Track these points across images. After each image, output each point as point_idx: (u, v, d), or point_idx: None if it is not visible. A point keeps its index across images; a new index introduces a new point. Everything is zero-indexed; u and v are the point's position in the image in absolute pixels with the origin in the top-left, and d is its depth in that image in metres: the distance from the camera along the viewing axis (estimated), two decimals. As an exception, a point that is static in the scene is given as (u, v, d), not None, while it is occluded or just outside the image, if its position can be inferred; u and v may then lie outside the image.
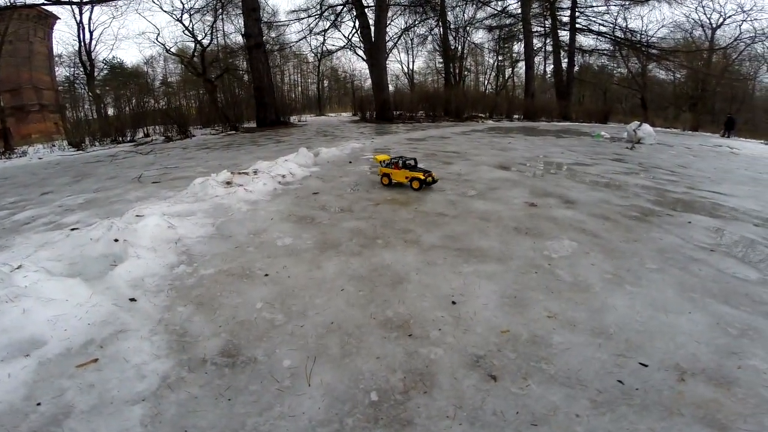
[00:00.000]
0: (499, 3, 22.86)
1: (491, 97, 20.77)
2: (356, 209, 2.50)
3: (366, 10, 14.79)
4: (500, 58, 29.65)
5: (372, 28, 14.23)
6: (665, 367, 1.08)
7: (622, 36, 24.22)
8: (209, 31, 15.87)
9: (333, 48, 21.91)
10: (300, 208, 2.51)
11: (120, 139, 10.56)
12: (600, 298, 1.43)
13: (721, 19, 25.40)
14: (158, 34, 25.41)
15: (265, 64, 12.72)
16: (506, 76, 30.22)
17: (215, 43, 17.19)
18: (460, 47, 24.89)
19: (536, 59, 28.57)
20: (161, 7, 15.12)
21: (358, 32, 16.46)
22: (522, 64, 24.03)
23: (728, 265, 1.72)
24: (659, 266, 1.69)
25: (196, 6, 15.38)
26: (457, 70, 24.55)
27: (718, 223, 2.34)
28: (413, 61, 27.06)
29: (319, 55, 23.34)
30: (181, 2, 15.12)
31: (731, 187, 3.54)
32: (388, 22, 20.81)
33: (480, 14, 23.72)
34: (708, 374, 1.06)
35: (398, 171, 3.02)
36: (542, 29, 25.17)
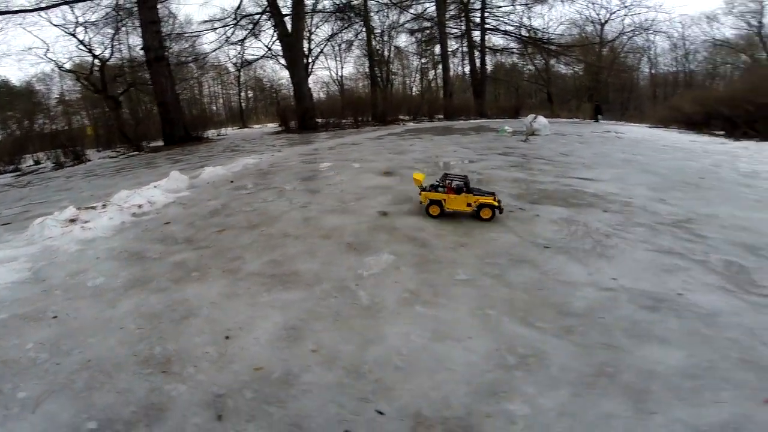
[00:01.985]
0: (419, 6, 23.56)
1: (415, 99, 21.30)
2: (198, 238, 2.33)
3: (286, 18, 14.39)
4: (423, 60, 30.61)
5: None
6: (402, 416, 0.97)
7: (527, 34, 26.12)
8: (110, 44, 14.44)
9: (252, 57, 21.07)
10: (138, 243, 2.33)
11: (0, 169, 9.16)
12: (379, 325, 1.35)
13: (608, 15, 28.39)
14: (47, 49, 22.66)
15: (168, 77, 11.84)
16: (429, 77, 31.19)
17: (117, 56, 15.70)
18: (386, 51, 25.26)
19: (455, 60, 29.89)
20: (50, 21, 13.40)
21: (278, 41, 15.95)
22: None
23: (555, 265, 1.75)
24: (471, 276, 1.66)
25: (92, 19, 13.89)
26: (384, 74, 24.86)
27: (569, 213, 2.44)
28: (341, 67, 26.94)
29: (238, 65, 22.36)
30: (74, 15, 13.53)
31: (600, 172, 3.81)
32: (312, 30, 20.53)
33: (402, 18, 24.23)
34: (448, 426, 0.94)
35: (456, 197, 2.29)
36: (459, 31, 26.28)
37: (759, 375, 1.03)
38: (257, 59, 20.86)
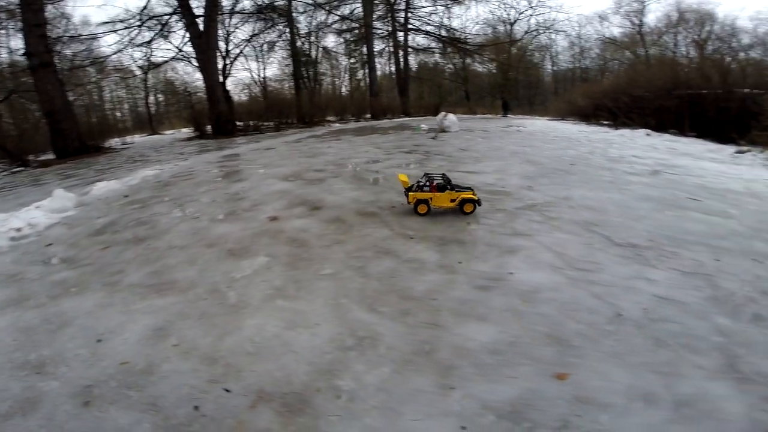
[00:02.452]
0: (347, 7, 23.47)
1: (342, 99, 21.27)
2: (80, 257, 2.21)
3: (199, 19, 13.45)
4: (352, 60, 30.61)
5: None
6: (246, 393, 1.08)
7: (446, 34, 27.40)
8: (-15, 48, 12.36)
9: (161, 60, 19.41)
10: (15, 266, 2.18)
11: None
12: (240, 319, 1.44)
13: (517, 15, 30.80)
14: None
15: (56, 85, 10.53)
16: (358, 77, 31.29)
17: (-6, 61, 13.51)
18: (313, 51, 24.78)
19: (382, 60, 30.36)
20: None
21: (190, 42, 14.84)
22: (374, 66, 25.10)
23: (413, 254, 1.90)
24: (335, 270, 1.77)
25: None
26: (312, 75, 24.39)
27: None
28: (264, 69, 25.89)
29: (145, 67, 20.49)
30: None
31: (486, 164, 4.15)
32: (231, 30, 19.45)
33: (330, 19, 23.96)
34: (286, 400, 1.05)
35: (441, 194, 2.38)
36: (385, 31, 26.68)
37: (558, 350, 1.19)
38: (166, 61, 19.34)
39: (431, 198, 2.38)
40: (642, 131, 9.19)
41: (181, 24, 15.60)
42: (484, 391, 1.05)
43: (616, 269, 1.68)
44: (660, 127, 9.92)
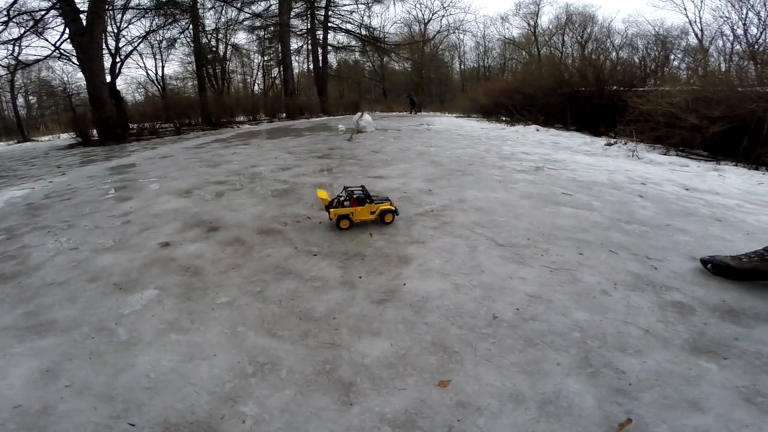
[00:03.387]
0: (261, 4, 22.11)
1: (254, 98, 20.20)
2: None
3: (82, 15, 11.55)
4: (266, 58, 29.18)
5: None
6: (152, 425, 1.06)
7: (366, 33, 27.57)
8: None
9: (33, 59, 16.38)
10: None
11: None
12: (132, 356, 1.36)
13: (431, 15, 32.15)
14: None
15: None
16: (273, 75, 30.08)
17: None
18: (221, 49, 23.03)
19: (300, 58, 29.45)
20: None
21: (70, 40, 12.71)
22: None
23: (315, 272, 1.89)
24: (232, 297, 1.70)
25: None
26: (219, 73, 22.71)
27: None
28: (163, 67, 23.34)
29: (10, 67, 17.20)
30: None
31: (394, 168, 4.29)
32: (125, 26, 17.08)
33: (242, 15, 22.43)
34: (192, 429, 1.05)
35: (361, 208, 2.39)
36: (304, 29, 25.85)
37: (442, 357, 1.28)
38: (39, 60, 16.46)
39: (352, 212, 2.42)
40: (533, 127, 10.29)
41: (59, 20, 13.40)
42: (379, 405, 1.11)
43: (495, 270, 1.87)
44: (547, 122, 11.21)
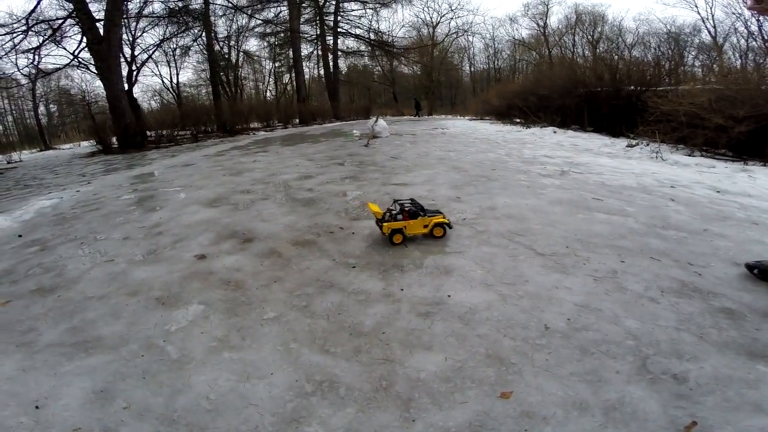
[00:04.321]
0: (271, 11, 22.47)
1: (267, 105, 20.44)
2: None
3: (99, 23, 11.90)
4: (277, 64, 29.55)
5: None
6: None
7: (374, 37, 27.72)
8: None
9: (53, 67, 16.87)
10: None
11: None
12: (187, 376, 1.35)
13: (439, 18, 32.18)
14: None
15: None
16: (285, 81, 30.40)
17: None
18: (234, 55, 23.41)
19: (310, 63, 29.74)
20: None
21: (87, 48, 13.08)
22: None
23: (358, 285, 1.89)
24: (279, 312, 1.70)
25: None
26: (232, 80, 23.07)
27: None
28: (177, 74, 23.83)
29: (32, 76, 17.76)
30: None
31: (416, 174, 4.28)
32: (137, 35, 17.52)
33: (253, 22, 22.81)
34: None
35: (414, 222, 2.32)
36: (313, 34, 26.13)
37: (498, 369, 1.27)
38: (59, 69, 16.94)
39: (405, 226, 2.34)
40: (549, 129, 10.18)
41: (77, 28, 13.78)
42: (441, 419, 1.10)
43: (539, 280, 1.84)
44: (564, 123, 11.08)
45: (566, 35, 31.71)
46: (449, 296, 1.72)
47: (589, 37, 30.30)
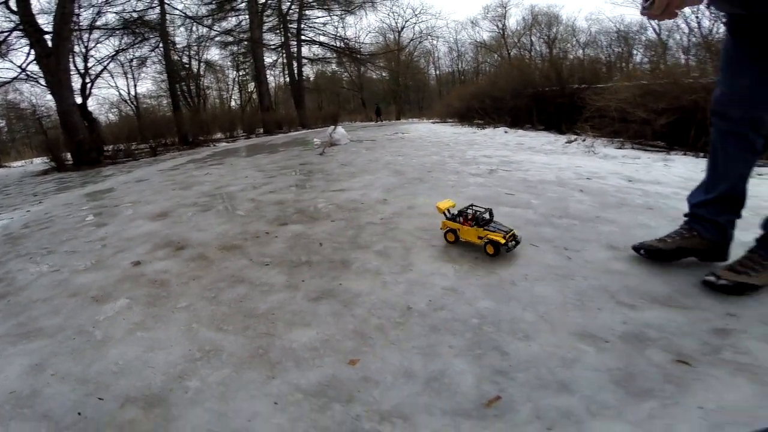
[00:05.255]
0: (233, 19, 22.36)
1: (231, 115, 20.35)
2: None
3: (48, 35, 11.63)
4: (241, 73, 29.31)
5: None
6: (116, 398, 1.35)
7: (341, 44, 27.92)
8: None
9: None
10: None
11: None
12: (106, 350, 1.65)
13: (404, 23, 32.72)
14: None
15: None
16: (249, 90, 30.23)
17: None
18: (195, 65, 23.14)
19: (276, 71, 29.61)
20: None
21: (36, 61, 12.77)
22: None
23: (264, 279, 2.13)
24: (190, 303, 1.97)
25: None
26: (193, 90, 22.80)
27: (303, 229, 2.91)
28: (135, 85, 23.32)
29: (-27, 90, 17.13)
30: None
31: (358, 180, 4.56)
32: (93, 45, 17.14)
33: (213, 32, 22.66)
34: (146, 400, 1.33)
35: (469, 228, 2.26)
36: (277, 42, 26.04)
37: (358, 342, 1.51)
38: (5, 84, 16.41)
39: (459, 229, 2.38)
40: (501, 129, 10.71)
41: (25, 41, 13.44)
42: (296, 378, 1.36)
43: (423, 268, 2.13)
44: (515, 123, 11.65)
45: (524, 36, 32.98)
46: (340, 284, 2.00)
47: (546, 37, 31.62)
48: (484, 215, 2.32)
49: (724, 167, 1.87)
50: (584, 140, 7.90)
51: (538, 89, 11.53)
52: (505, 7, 33.55)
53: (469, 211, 2.36)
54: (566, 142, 8.03)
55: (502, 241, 2.19)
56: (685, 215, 2.06)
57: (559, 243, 2.39)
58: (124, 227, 3.57)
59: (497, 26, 34.58)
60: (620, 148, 7.19)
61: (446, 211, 2.46)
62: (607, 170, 4.94)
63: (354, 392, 1.29)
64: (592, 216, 2.97)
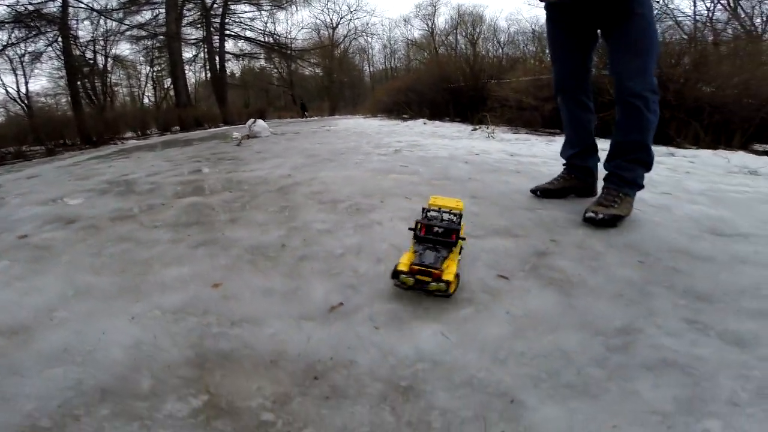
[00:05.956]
0: (148, 12, 20.52)
1: (142, 112, 18.91)
2: None
3: None
4: (156, 68, 27.26)
5: None
6: None
7: (269, 39, 27.06)
8: None
9: None
10: None
11: None
12: None
13: (339, 19, 32.59)
14: None
15: None
16: (166, 86, 28.25)
17: None
18: (101, 61, 21.01)
19: (197, 66, 27.93)
20: None
21: None
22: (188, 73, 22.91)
23: (153, 236, 2.24)
24: (72, 258, 2.00)
25: None
26: (99, 87, 20.75)
27: (199, 200, 3.01)
28: (26, 83, 20.58)
29: None
30: None
31: (269, 162, 4.68)
32: None
33: (123, 26, 20.64)
34: (12, 330, 1.35)
35: (406, 254, 1.50)
36: (198, 37, 24.58)
37: (225, 272, 1.71)
38: None
39: (401, 259, 1.57)
40: (421, 120, 11.39)
41: None
42: (161, 299, 1.50)
43: (306, 218, 2.39)
44: (435, 115, 12.43)
45: (451, 35, 34.82)
46: (223, 234, 2.19)
47: (470, 36, 33.67)
48: (437, 229, 1.51)
49: (579, 125, 2.51)
50: (488, 128, 8.73)
51: (454, 84, 12.43)
52: (435, 6, 35.18)
53: (423, 220, 1.57)
54: (472, 130, 8.81)
55: (428, 278, 1.34)
56: (563, 165, 2.70)
57: (428, 197, 2.81)
58: (11, 213, 3.35)
59: (427, 24, 36.14)
60: (516, 133, 8.10)
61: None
62: (496, 149, 5.61)
63: (211, 307, 1.47)
64: (465, 178, 3.47)
